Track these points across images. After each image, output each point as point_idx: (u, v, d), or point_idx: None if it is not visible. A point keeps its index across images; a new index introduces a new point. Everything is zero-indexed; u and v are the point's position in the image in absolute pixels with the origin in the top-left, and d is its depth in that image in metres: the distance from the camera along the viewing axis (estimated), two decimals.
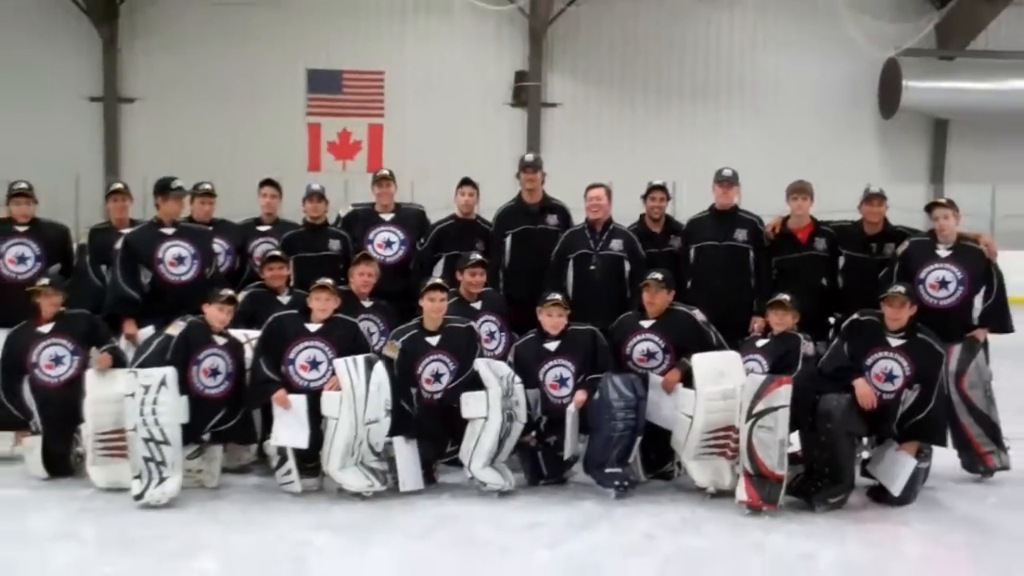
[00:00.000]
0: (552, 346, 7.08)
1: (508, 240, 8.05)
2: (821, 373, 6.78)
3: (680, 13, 23.50)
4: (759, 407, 6.46)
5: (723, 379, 6.75)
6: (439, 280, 7.16)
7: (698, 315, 7.18)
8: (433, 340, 6.96)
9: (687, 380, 6.88)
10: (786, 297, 6.99)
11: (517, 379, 6.88)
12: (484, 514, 6.46)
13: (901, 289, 6.77)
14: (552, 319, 7.06)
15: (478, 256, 7.62)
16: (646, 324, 7.17)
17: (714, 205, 7.94)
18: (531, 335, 7.19)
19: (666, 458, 7.21)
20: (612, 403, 6.77)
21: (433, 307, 6.95)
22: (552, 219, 8.08)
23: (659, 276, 7.11)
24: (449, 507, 6.62)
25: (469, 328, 7.11)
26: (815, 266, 7.76)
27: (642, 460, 7.17)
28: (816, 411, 6.55)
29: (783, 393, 6.44)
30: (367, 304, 7.50)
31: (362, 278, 7.45)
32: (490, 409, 6.77)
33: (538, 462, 7.11)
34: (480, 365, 6.89)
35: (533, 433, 7.07)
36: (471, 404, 6.81)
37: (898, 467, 6.74)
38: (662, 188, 8.07)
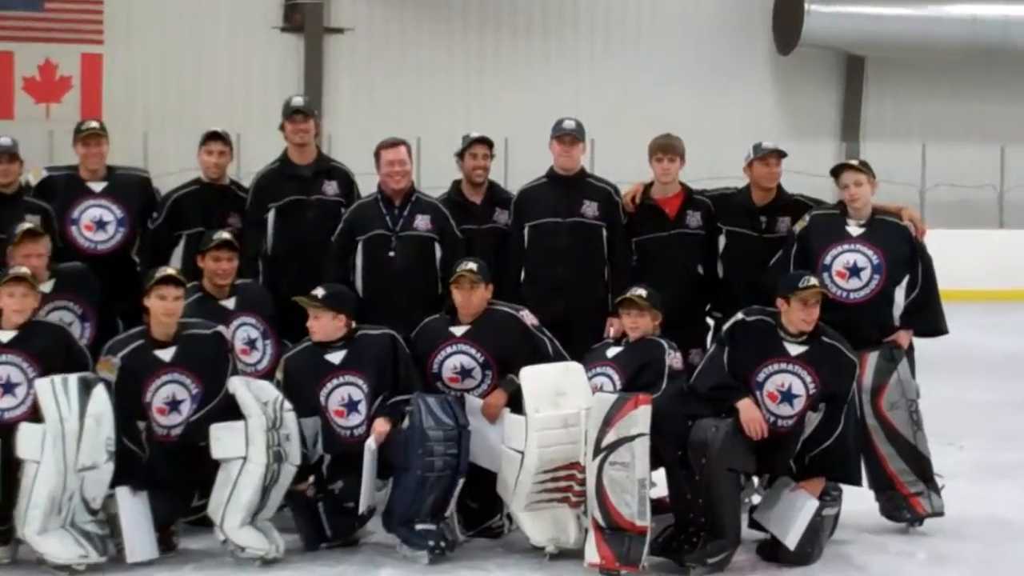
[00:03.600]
0: (336, 357, 7.11)
1: (271, 215, 8.06)
2: (694, 392, 6.92)
3: None
4: (610, 437, 6.53)
5: (562, 400, 6.83)
6: (172, 271, 7.07)
7: (527, 317, 7.31)
8: (165, 354, 6.90)
9: (515, 403, 6.96)
10: (641, 292, 7.10)
11: (287, 405, 6.87)
12: None
13: (814, 281, 6.90)
14: (326, 325, 7.13)
15: (226, 235, 7.54)
16: (458, 331, 7.27)
17: (554, 168, 8.04)
18: (306, 343, 7.21)
19: (492, 509, 7.29)
20: (427, 432, 6.79)
21: (164, 308, 6.87)
22: (330, 187, 8.14)
23: (474, 267, 7.19)
24: None
25: (216, 336, 7.09)
26: (687, 248, 7.95)
27: (460, 513, 7.24)
28: (688, 442, 6.67)
29: (641, 417, 6.52)
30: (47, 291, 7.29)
31: (29, 261, 7.24)
32: (250, 446, 6.73)
33: (319, 518, 7.11)
34: (236, 386, 6.88)
35: (311, 479, 7.07)
36: (224, 440, 6.78)
37: (795, 513, 6.87)
38: (484, 142, 8.16)
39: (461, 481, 6.93)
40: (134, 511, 6.79)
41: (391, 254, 7.79)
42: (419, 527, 6.87)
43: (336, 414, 7.10)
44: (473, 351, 7.23)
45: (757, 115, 22.95)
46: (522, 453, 6.80)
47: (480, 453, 7.06)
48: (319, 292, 7.11)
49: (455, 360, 7.25)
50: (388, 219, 7.82)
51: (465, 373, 7.25)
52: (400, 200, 7.84)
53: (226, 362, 7.05)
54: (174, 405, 6.92)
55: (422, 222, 7.85)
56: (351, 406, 7.10)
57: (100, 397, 6.65)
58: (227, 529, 6.74)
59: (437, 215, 7.88)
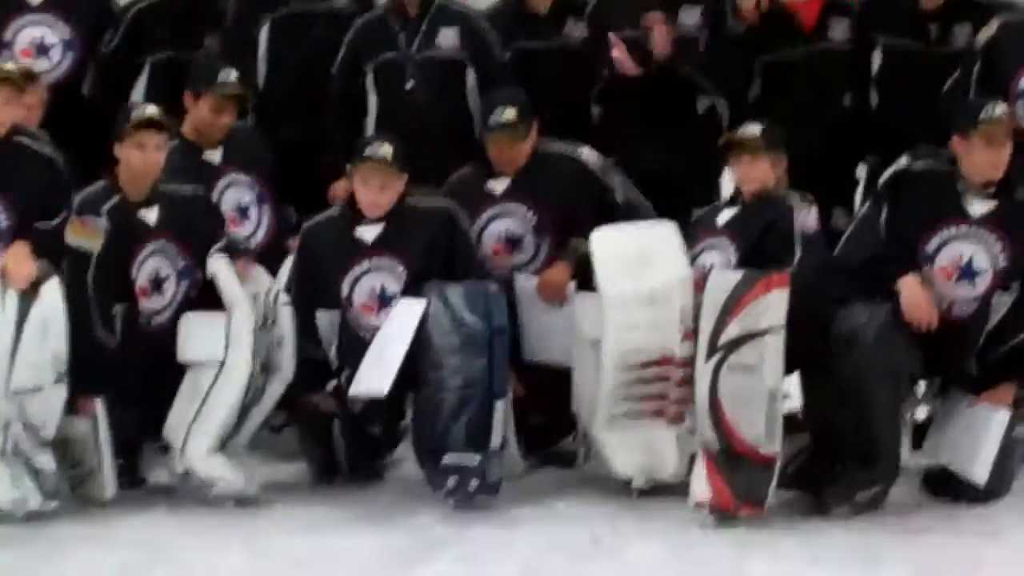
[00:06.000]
0: (369, 233, 6.48)
1: (264, 32, 7.36)
2: (840, 266, 6.36)
3: None
4: (731, 331, 5.93)
5: (646, 271, 6.26)
6: (154, 111, 6.33)
7: (587, 156, 6.76)
8: (149, 215, 6.31)
9: (585, 278, 6.44)
10: (755, 130, 6.45)
11: (284, 297, 6.33)
12: (208, 543, 5.80)
13: (999, 111, 6.18)
14: (370, 191, 6.36)
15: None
16: (498, 186, 6.74)
17: None
18: (333, 213, 6.66)
19: (562, 427, 6.79)
20: (437, 339, 6.15)
21: (143, 161, 6.21)
22: None
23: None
24: (160, 528, 5.96)
25: (203, 199, 6.51)
26: (830, 70, 7.30)
27: (520, 433, 6.65)
28: (832, 335, 6.09)
29: (775, 304, 5.91)
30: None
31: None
32: (231, 348, 6.13)
33: (330, 444, 6.47)
34: (218, 266, 6.28)
35: (331, 385, 6.44)
36: (196, 337, 6.25)
37: (980, 432, 6.19)
38: None
39: (500, 405, 6.26)
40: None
41: (408, 87, 7.16)
42: (446, 460, 6.22)
43: (363, 310, 6.45)
44: (524, 209, 6.72)
45: None
46: (599, 342, 6.29)
47: (544, 347, 6.59)
48: (387, 149, 6.34)
49: (498, 226, 6.77)
50: (401, 37, 7.18)
51: (514, 243, 6.76)
52: (416, 8, 7.21)
53: (213, 228, 6.46)
54: (157, 284, 6.32)
55: (446, 37, 7.22)
56: (384, 301, 6.45)
57: (48, 298, 6.01)
58: (190, 455, 6.22)
59: (468, 27, 7.27)
